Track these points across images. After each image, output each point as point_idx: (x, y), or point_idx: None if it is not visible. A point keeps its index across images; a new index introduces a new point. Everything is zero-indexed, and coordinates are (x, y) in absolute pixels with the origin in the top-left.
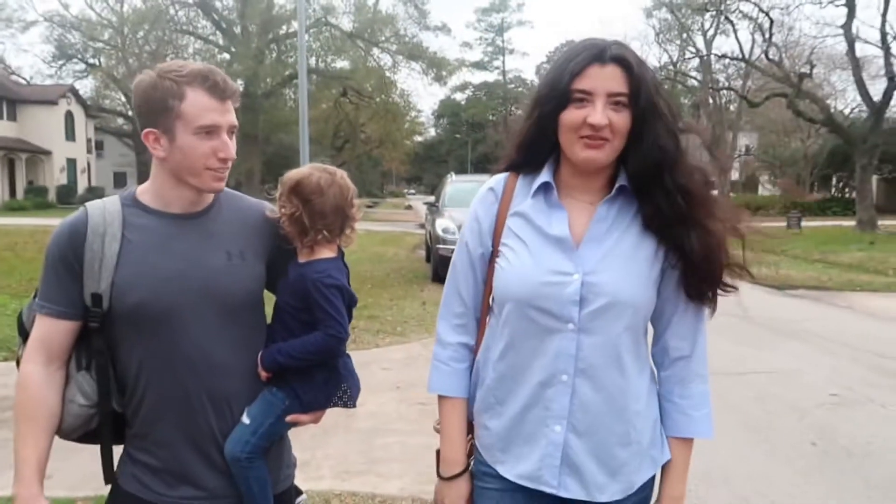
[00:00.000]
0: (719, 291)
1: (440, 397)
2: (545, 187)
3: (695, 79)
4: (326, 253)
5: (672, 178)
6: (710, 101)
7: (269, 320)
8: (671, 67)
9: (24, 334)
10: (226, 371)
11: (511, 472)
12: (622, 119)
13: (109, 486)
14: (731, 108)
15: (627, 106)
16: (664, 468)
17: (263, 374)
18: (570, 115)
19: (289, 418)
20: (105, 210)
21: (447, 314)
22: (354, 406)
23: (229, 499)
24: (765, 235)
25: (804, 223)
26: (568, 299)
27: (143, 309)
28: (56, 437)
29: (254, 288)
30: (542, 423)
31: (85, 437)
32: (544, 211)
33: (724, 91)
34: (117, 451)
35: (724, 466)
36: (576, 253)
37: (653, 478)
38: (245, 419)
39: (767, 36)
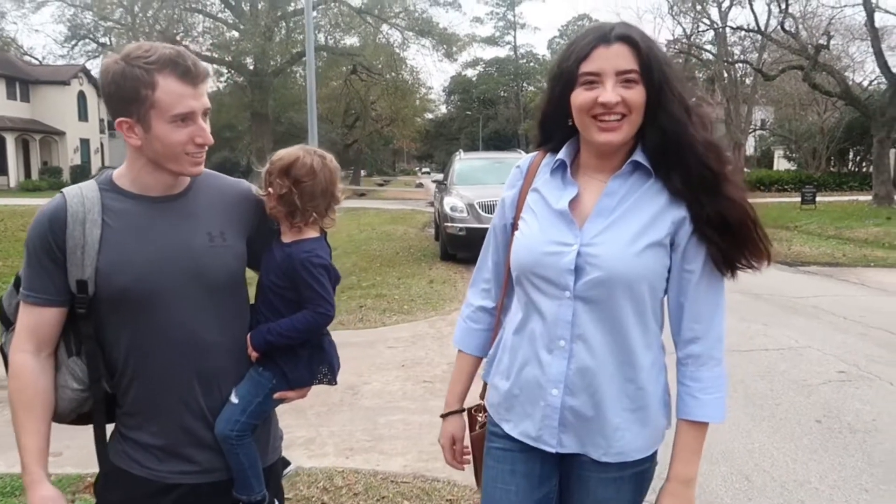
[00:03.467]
0: (745, 264)
1: (457, 349)
2: (561, 165)
3: (709, 52)
4: (311, 233)
5: (691, 149)
6: (725, 74)
7: (252, 299)
8: (685, 41)
9: (6, 321)
10: (212, 349)
11: (515, 431)
12: (635, 94)
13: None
14: (747, 81)
15: (639, 82)
16: (674, 448)
17: (253, 354)
18: (581, 97)
19: (276, 395)
20: (83, 196)
21: (477, 280)
22: (336, 383)
23: (219, 472)
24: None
25: (819, 198)
26: (564, 268)
27: (128, 293)
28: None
29: (236, 267)
30: (540, 385)
31: (79, 419)
32: (558, 187)
33: (740, 64)
34: (110, 429)
35: (727, 443)
36: (578, 226)
37: (653, 454)
38: (234, 399)
39: (784, 6)
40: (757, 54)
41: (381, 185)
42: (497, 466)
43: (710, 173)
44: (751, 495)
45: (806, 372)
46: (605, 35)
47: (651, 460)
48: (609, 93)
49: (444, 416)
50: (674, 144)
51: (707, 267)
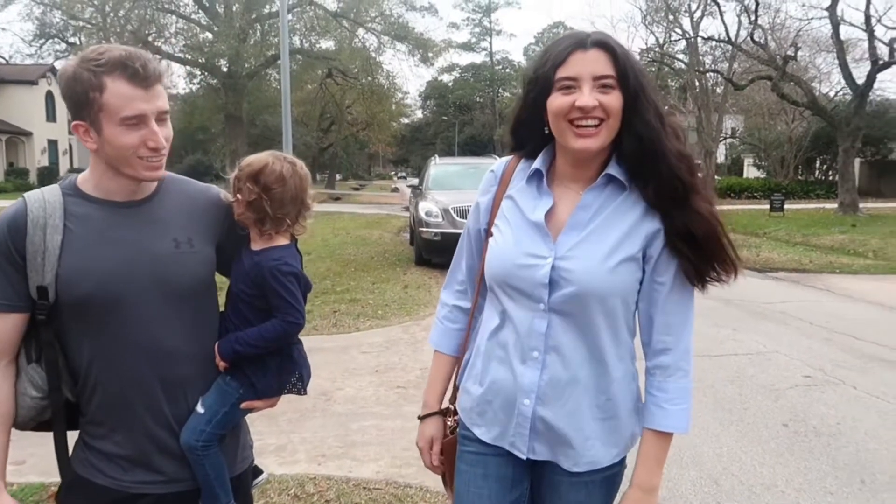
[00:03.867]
0: (715, 277)
1: (434, 350)
2: (537, 174)
3: (681, 61)
4: (281, 240)
5: (664, 158)
6: (697, 83)
7: (222, 306)
8: (658, 50)
9: None
10: (178, 357)
11: (487, 436)
12: (612, 99)
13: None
14: (718, 90)
15: (615, 88)
16: (638, 456)
17: (221, 364)
18: (558, 102)
19: (243, 405)
20: (45, 201)
21: (451, 282)
22: (306, 393)
23: (185, 482)
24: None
25: (787, 206)
26: (538, 282)
27: (90, 299)
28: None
29: (203, 274)
30: (513, 394)
31: (40, 427)
32: (533, 196)
33: (711, 74)
34: (72, 437)
35: (696, 447)
36: (552, 238)
37: (623, 459)
38: (199, 408)
39: (753, 18)
40: (727, 64)
41: (356, 189)
42: (470, 470)
43: (681, 184)
44: (719, 499)
45: (773, 376)
46: (582, 41)
47: (621, 464)
48: (586, 96)
49: (422, 417)
50: (649, 153)
51: (678, 280)
